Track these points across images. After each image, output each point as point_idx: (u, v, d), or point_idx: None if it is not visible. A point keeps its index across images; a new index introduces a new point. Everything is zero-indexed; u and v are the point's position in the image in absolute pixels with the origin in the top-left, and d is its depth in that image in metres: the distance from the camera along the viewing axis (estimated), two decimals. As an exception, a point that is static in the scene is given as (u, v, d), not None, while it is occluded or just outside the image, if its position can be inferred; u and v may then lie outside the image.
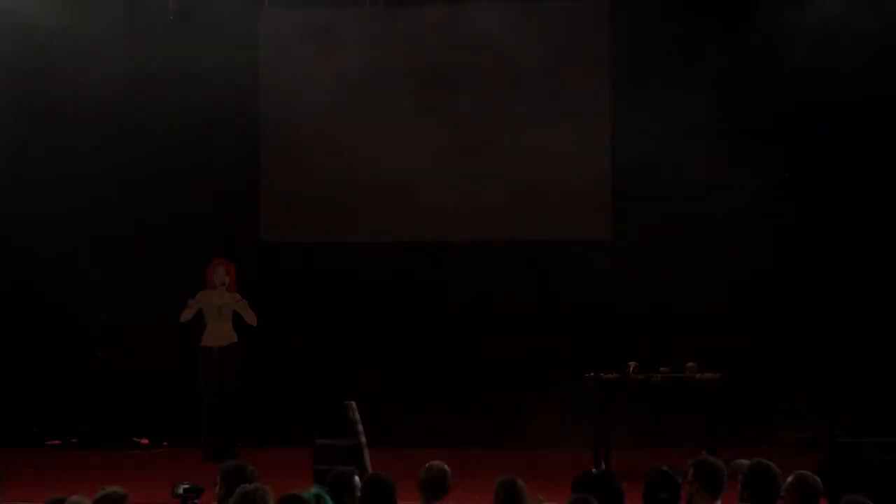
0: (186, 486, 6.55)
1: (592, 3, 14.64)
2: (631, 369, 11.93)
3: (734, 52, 13.90)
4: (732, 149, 13.52)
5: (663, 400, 12.21)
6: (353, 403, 10.93)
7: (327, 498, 6.08)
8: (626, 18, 14.33)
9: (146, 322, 14.58)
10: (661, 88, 13.67)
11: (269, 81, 14.85)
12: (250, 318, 13.70)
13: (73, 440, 14.77)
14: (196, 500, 6.57)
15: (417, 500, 6.54)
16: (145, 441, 14.71)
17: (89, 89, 14.86)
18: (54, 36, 14.32)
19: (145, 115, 14.48)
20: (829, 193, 14.09)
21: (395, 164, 14.71)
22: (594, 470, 6.28)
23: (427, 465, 6.53)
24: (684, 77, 13.86)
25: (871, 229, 14.16)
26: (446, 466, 6.54)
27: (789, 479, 6.05)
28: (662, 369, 11.94)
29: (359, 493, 6.31)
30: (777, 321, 14.18)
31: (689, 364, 11.93)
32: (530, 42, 14.54)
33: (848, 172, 14.11)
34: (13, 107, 14.22)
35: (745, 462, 6.25)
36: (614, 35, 14.37)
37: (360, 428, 10.75)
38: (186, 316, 13.70)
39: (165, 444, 14.63)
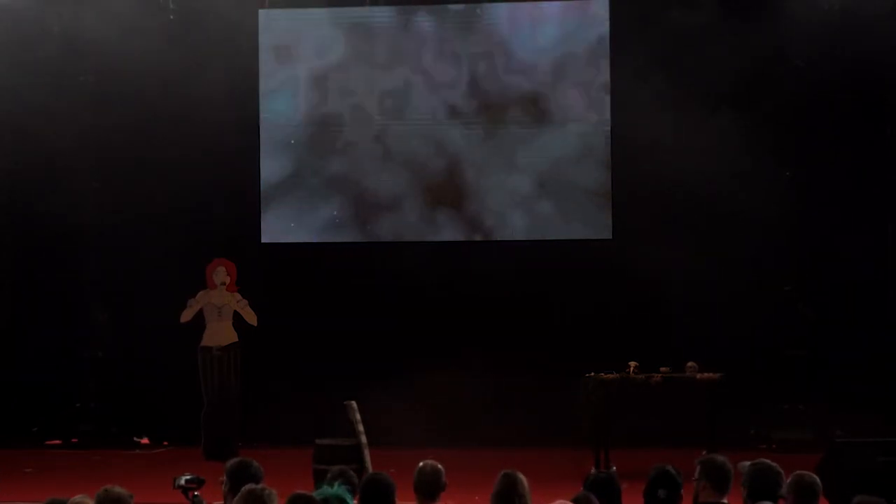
0: (188, 478, 6.55)
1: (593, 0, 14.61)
2: (631, 369, 11.93)
3: (737, 51, 13.89)
4: (734, 148, 13.51)
5: (663, 400, 12.20)
6: (353, 403, 10.93)
7: (348, 498, 6.07)
8: (626, 16, 14.32)
9: (146, 322, 14.57)
10: (662, 87, 13.66)
11: (270, 81, 14.85)
12: (250, 318, 13.73)
13: (73, 440, 14.77)
14: (197, 492, 6.56)
15: (414, 501, 6.54)
16: (145, 441, 14.71)
17: (88, 89, 14.89)
18: (53, 34, 14.35)
19: (145, 114, 14.47)
20: (831, 192, 14.08)
21: (393, 163, 14.72)
22: (593, 469, 6.29)
23: (419, 467, 6.52)
24: (686, 76, 13.85)
25: (872, 229, 14.15)
26: (439, 465, 6.53)
27: (789, 478, 6.06)
28: (662, 369, 11.95)
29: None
30: (777, 321, 14.17)
31: (689, 364, 11.94)
32: (530, 41, 14.55)
33: (852, 170, 14.10)
34: (12, 105, 14.22)
35: (748, 464, 6.28)
36: (615, 33, 14.36)
37: (361, 428, 10.75)
38: (187, 316, 13.73)
39: (165, 443, 14.63)
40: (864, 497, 5.73)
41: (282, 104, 14.84)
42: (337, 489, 6.05)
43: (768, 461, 6.24)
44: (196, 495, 6.58)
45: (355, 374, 13.69)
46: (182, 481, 6.57)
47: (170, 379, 14.38)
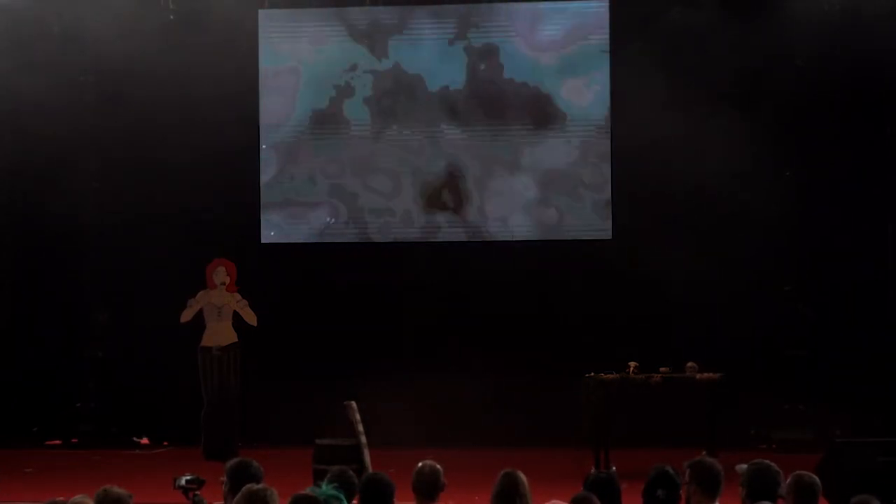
0: (188, 478, 6.57)
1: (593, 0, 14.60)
2: (631, 369, 11.93)
3: (737, 51, 13.91)
4: (734, 148, 13.49)
5: (663, 400, 12.20)
6: (353, 403, 10.93)
7: (342, 498, 6.07)
8: (626, 15, 14.32)
9: (146, 322, 14.57)
10: (662, 87, 13.65)
11: (269, 81, 14.84)
12: (250, 318, 13.72)
13: (73, 440, 14.77)
14: (197, 492, 6.58)
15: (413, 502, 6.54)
16: (145, 441, 14.71)
17: (89, 89, 14.89)
18: (53, 33, 14.34)
19: (145, 114, 14.46)
20: (831, 192, 14.08)
21: (393, 163, 14.72)
22: (593, 469, 6.29)
23: (418, 467, 6.51)
24: (686, 76, 13.83)
25: (872, 229, 14.15)
26: (438, 465, 6.53)
27: (788, 479, 6.06)
28: (662, 369, 11.94)
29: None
30: (777, 321, 14.17)
31: (689, 364, 11.93)
32: (531, 41, 14.55)
33: (853, 170, 14.10)
34: (12, 105, 14.21)
35: (745, 466, 6.28)
36: (615, 33, 14.35)
37: (361, 428, 10.75)
38: (187, 316, 13.73)
39: (165, 443, 14.63)
40: (862, 497, 5.73)
41: (281, 104, 14.84)
42: (326, 489, 6.05)
43: (767, 461, 6.23)
44: (196, 494, 6.59)
45: (355, 374, 13.68)
46: (182, 482, 6.59)
47: (170, 379, 14.37)
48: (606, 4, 14.43)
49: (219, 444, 13.14)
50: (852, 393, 13.63)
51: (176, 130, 14.38)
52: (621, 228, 14.34)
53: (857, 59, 13.75)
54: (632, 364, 11.95)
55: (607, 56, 14.39)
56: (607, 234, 14.43)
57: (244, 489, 5.65)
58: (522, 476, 6.13)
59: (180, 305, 13.77)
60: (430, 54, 14.69)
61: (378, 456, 10.75)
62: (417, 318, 14.48)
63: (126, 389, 14.87)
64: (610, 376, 11.91)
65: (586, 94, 14.47)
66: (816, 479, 6.07)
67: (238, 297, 13.73)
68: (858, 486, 7.75)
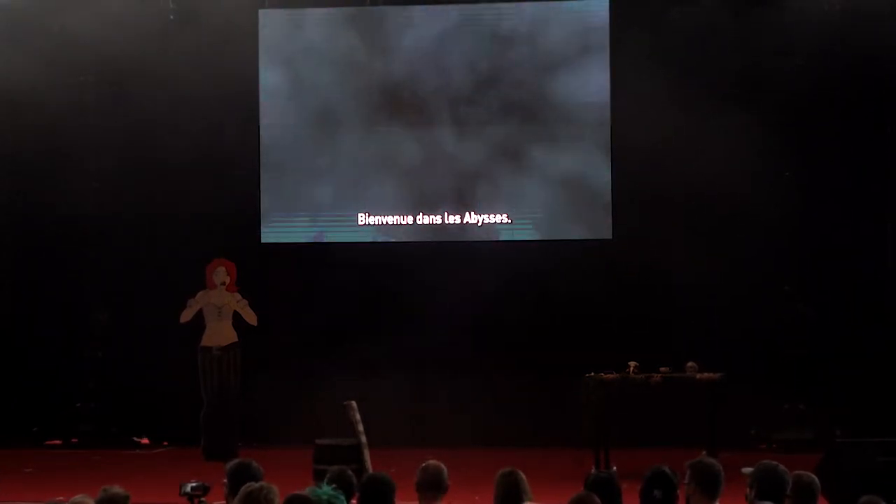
0: (194, 485, 6.60)
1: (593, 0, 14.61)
2: (631, 369, 11.92)
3: (737, 50, 13.91)
4: (734, 148, 13.50)
5: (663, 400, 12.20)
6: (353, 403, 10.93)
7: (341, 498, 6.06)
8: (626, 16, 14.31)
9: (146, 322, 14.57)
10: (662, 87, 13.64)
11: (269, 81, 14.84)
12: (250, 318, 13.73)
13: (73, 440, 14.77)
14: (203, 499, 6.60)
15: (416, 501, 6.53)
16: (145, 441, 14.72)
17: (89, 88, 14.89)
18: (53, 33, 14.33)
19: (145, 114, 14.47)
20: (831, 191, 14.07)
21: (393, 163, 14.71)
22: (593, 469, 6.28)
23: (423, 466, 6.51)
24: (686, 75, 13.83)
25: (873, 228, 14.14)
26: (443, 466, 6.53)
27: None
28: (662, 369, 11.94)
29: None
30: (777, 321, 14.17)
31: (689, 364, 11.93)
32: (531, 41, 14.55)
33: (853, 169, 14.09)
34: (12, 105, 14.21)
35: (750, 469, 6.28)
36: (615, 33, 14.35)
37: (361, 428, 10.75)
38: (187, 316, 13.73)
39: (165, 443, 14.63)
40: (870, 497, 5.73)
41: (281, 104, 14.83)
42: (325, 489, 6.04)
43: (775, 462, 6.23)
44: (202, 501, 6.61)
45: (355, 374, 13.69)
46: (188, 488, 6.62)
47: (170, 379, 14.37)
48: (607, 3, 14.42)
49: (219, 445, 13.14)
50: (852, 393, 13.63)
51: (176, 130, 14.38)
52: (621, 228, 14.33)
53: (858, 58, 13.75)
54: (632, 364, 11.94)
55: (608, 55, 14.39)
56: (607, 234, 14.43)
57: (243, 489, 5.65)
58: (521, 474, 6.13)
59: (180, 305, 13.77)
60: (431, 53, 14.68)
61: (378, 456, 10.75)
62: (418, 318, 14.45)
63: (126, 389, 14.87)
64: (610, 376, 11.90)
65: (587, 94, 14.46)
66: (815, 478, 6.07)
67: (238, 296, 13.74)
68: (858, 486, 7.75)
